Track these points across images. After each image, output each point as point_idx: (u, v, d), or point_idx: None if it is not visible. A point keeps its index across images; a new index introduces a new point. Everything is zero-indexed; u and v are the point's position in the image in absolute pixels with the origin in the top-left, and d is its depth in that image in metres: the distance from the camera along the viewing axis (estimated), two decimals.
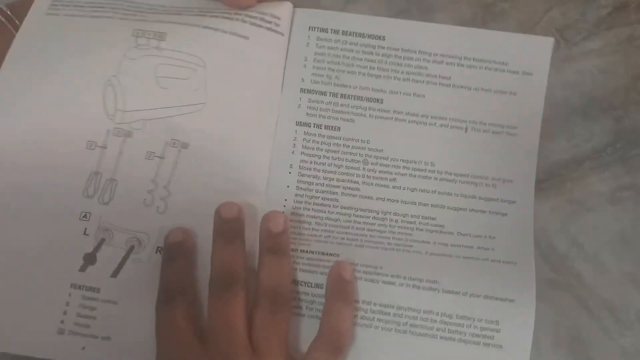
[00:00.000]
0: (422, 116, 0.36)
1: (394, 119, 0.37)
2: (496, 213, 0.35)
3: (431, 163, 0.36)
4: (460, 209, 0.36)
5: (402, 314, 0.33)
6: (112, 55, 0.35)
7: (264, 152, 0.37)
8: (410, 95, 0.37)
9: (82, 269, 0.34)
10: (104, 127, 0.35)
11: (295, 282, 0.34)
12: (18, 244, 0.33)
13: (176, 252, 0.34)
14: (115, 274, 0.34)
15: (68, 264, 0.34)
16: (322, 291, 0.34)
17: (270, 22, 0.37)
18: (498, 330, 0.33)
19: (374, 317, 0.33)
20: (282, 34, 0.37)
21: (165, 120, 0.35)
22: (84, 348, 0.33)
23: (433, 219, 0.35)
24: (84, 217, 0.34)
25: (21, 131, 0.34)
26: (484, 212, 0.35)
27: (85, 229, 0.34)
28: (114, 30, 0.35)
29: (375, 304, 0.33)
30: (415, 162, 0.36)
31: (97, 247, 0.34)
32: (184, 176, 0.35)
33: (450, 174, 0.36)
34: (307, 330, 0.33)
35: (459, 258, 0.35)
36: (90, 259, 0.34)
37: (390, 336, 0.33)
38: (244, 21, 0.36)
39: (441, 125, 0.36)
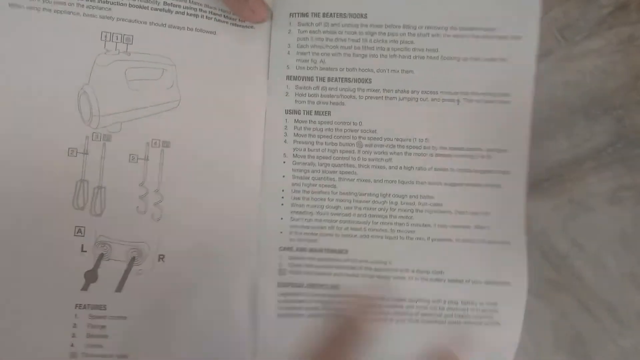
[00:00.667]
0: (413, 92, 0.36)
1: (384, 97, 0.36)
2: (491, 185, 0.35)
3: (425, 139, 0.36)
4: (457, 184, 0.35)
5: (413, 305, 0.35)
6: (83, 63, 0.33)
7: (255, 143, 0.36)
8: (398, 72, 0.36)
9: (85, 287, 0.33)
10: (82, 133, 0.33)
11: (312, 285, 0.35)
12: (14, 268, 0.32)
13: None
14: (119, 288, 0.33)
15: (69, 284, 0.33)
16: (338, 291, 0.34)
17: (235, 18, 0.36)
18: (496, 310, 0.35)
19: (389, 311, 0.35)
20: (251, 27, 0.36)
21: (142, 121, 0.34)
22: None
23: (431, 197, 0.35)
24: (78, 232, 0.33)
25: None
26: (479, 185, 0.35)
27: (82, 245, 0.33)
28: (82, 33, 0.34)
29: (389, 299, 0.35)
30: (409, 140, 0.36)
31: (97, 263, 0.33)
32: (173, 177, 0.34)
33: (445, 148, 0.36)
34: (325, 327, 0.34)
35: (458, 242, 0.35)
36: (91, 276, 0.33)
37: (404, 326, 0.35)
38: (209, 18, 0.35)
39: (433, 100, 0.36)
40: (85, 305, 0.33)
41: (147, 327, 0.33)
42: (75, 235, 0.33)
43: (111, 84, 0.34)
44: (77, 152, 0.33)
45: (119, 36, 0.34)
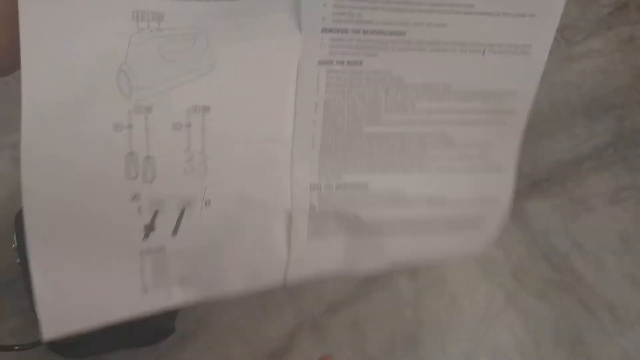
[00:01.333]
0: (443, 44, 0.37)
1: (416, 49, 0.36)
2: (496, 123, 0.40)
3: (448, 85, 0.38)
4: (469, 122, 0.40)
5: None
6: (119, 46, 0.32)
7: (288, 95, 0.37)
8: (433, 25, 0.36)
9: (145, 237, 0.37)
10: (124, 108, 0.34)
11: (337, 217, 0.40)
12: (82, 233, 0.35)
13: None
14: (175, 232, 0.38)
15: (131, 240, 0.37)
16: (360, 221, 0.40)
17: None
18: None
19: None
20: None
21: (179, 89, 0.34)
22: (169, 295, 0.39)
23: (444, 135, 0.40)
24: (134, 198, 0.36)
25: (48, 122, 0.33)
26: (488, 122, 0.40)
27: (139, 207, 0.36)
28: (114, 13, 0.32)
29: None
30: (433, 86, 0.38)
31: (153, 218, 0.37)
32: (216, 140, 0.36)
33: (466, 92, 0.39)
34: None
35: (465, 172, 0.41)
36: (149, 228, 0.37)
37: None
38: None
39: (460, 51, 0.37)
40: (147, 250, 0.37)
41: (202, 258, 0.39)
42: (131, 202, 0.35)
43: (147, 59, 0.33)
44: (121, 127, 0.34)
45: (151, 14, 0.32)
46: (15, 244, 0.45)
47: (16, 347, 0.41)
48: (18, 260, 0.44)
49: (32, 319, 0.40)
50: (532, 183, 0.38)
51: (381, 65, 0.37)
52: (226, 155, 0.37)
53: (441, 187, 0.41)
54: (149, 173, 0.35)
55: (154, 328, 0.47)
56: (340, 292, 0.41)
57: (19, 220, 0.45)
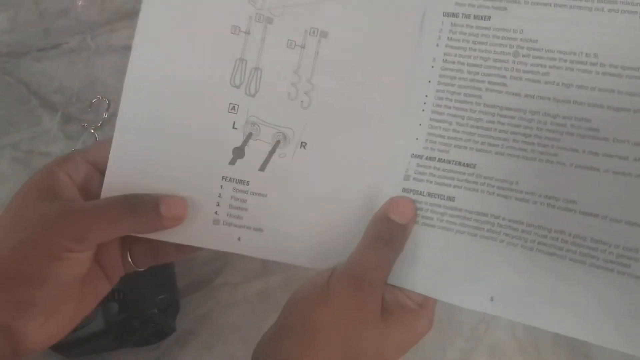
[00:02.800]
0: (587, 0, 0.33)
1: (553, 4, 0.33)
2: None
3: (594, 55, 0.32)
4: (623, 109, 0.32)
5: (530, 231, 0.32)
6: None
7: (408, 44, 0.35)
8: None
9: (232, 162, 0.35)
10: (246, 12, 0.34)
11: (430, 194, 0.34)
12: (174, 136, 0.34)
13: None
14: (262, 167, 0.35)
15: (218, 156, 0.35)
16: (454, 204, 0.34)
17: None
18: (637, 260, 0.30)
19: (501, 231, 0.33)
20: None
21: (304, 8, 0.34)
22: (239, 239, 0.35)
23: (587, 120, 0.32)
24: (232, 109, 0.34)
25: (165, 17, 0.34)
26: None
27: (234, 122, 0.34)
28: None
29: (504, 219, 0.33)
30: (574, 54, 0.33)
31: (245, 141, 0.35)
32: (326, 68, 0.35)
33: (617, 67, 0.31)
34: (438, 242, 0.34)
35: (607, 173, 0.32)
36: (239, 152, 0.35)
37: (515, 251, 0.33)
38: None
39: (610, 11, 0.32)
40: (231, 178, 0.35)
41: (285, 208, 0.35)
42: (229, 112, 0.34)
43: None
44: (239, 31, 0.34)
45: None
46: None
47: None
48: None
49: None
50: None
51: (511, 22, 0.34)
52: (333, 92, 0.35)
53: (573, 191, 0.32)
54: (253, 84, 0.34)
55: (154, 328, 0.46)
56: None
57: None
